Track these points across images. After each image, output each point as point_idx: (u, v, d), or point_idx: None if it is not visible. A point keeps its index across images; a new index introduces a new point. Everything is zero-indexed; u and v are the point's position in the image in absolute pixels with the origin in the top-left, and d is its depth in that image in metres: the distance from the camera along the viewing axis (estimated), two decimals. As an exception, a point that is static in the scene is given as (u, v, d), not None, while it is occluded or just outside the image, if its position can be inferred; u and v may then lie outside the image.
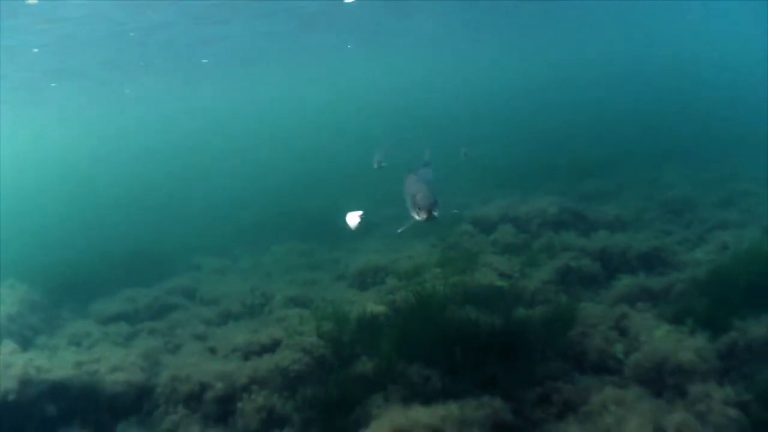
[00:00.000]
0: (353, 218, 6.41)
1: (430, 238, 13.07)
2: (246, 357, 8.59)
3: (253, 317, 10.97)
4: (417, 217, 6.00)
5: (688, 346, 6.94)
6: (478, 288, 9.32)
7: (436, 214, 5.87)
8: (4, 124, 30.03)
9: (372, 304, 9.26)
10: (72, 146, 45.12)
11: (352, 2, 20.13)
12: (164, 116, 46.83)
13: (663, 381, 6.68)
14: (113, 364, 8.68)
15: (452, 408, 5.84)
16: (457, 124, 29.01)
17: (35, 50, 17.93)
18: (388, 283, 10.86)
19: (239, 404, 7.46)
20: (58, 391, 8.01)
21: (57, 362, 8.43)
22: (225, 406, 7.61)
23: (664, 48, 50.81)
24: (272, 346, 8.73)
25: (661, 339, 7.28)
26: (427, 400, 6.21)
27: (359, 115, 39.03)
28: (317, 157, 27.85)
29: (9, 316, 10.97)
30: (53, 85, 23.95)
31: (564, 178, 17.73)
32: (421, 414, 5.65)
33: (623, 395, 6.18)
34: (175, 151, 37.30)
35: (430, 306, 8.40)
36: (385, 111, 38.92)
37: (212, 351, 9.19)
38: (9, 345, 9.02)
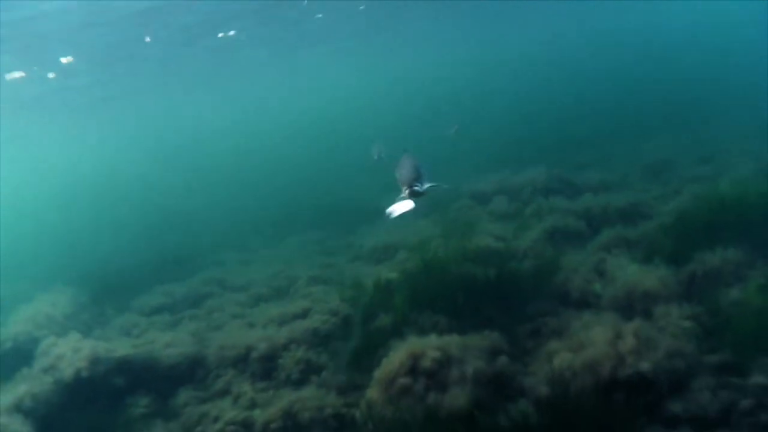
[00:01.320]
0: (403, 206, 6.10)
1: (433, 216, 14.34)
2: (281, 324, 9.94)
3: (281, 297, 12.26)
4: (404, 195, 5.83)
5: (653, 277, 8.22)
6: (476, 249, 10.59)
7: (418, 189, 5.72)
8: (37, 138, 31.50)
9: (386, 272, 10.58)
10: (96, 157, 46.61)
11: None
12: (178, 123, 48.19)
13: (633, 307, 7.95)
14: (166, 342, 10.07)
15: (457, 338, 7.15)
16: (456, 109, 30.23)
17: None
18: (398, 256, 12.18)
19: (280, 360, 8.80)
20: (122, 366, 9.36)
21: (118, 345, 9.79)
22: (268, 364, 8.94)
23: (651, 26, 51.73)
24: (303, 314, 10.09)
25: (632, 274, 8.56)
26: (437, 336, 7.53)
27: (358, 111, 40.26)
28: (322, 153, 29.12)
29: (65, 314, 12.38)
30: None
31: (554, 153, 18.96)
32: (432, 340, 6.98)
33: (598, 318, 7.48)
34: (190, 155, 38.60)
35: (435, 266, 9.70)
36: (382, 106, 40.14)
37: (251, 325, 10.53)
38: (75, 335, 10.38)
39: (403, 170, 5.95)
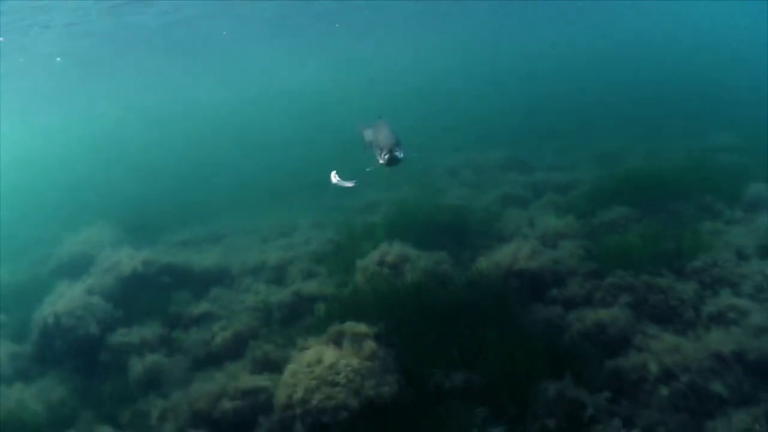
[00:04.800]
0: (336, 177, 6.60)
1: (411, 182, 17.37)
2: (288, 249, 13.03)
3: (287, 237, 15.33)
4: (381, 161, 5.91)
5: (563, 223, 11.37)
6: (441, 204, 13.71)
7: (398, 154, 5.80)
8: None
9: (370, 217, 13.69)
10: (138, 109, 49.15)
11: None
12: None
13: (546, 241, 11.05)
14: (199, 257, 13.17)
15: (415, 250, 10.27)
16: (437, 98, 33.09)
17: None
18: (382, 209, 15.27)
19: (288, 268, 11.89)
20: (167, 269, 12.42)
21: (169, 249, 12.89)
22: (279, 273, 12.00)
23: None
24: (305, 242, 13.21)
25: (550, 222, 11.69)
26: (403, 252, 10.64)
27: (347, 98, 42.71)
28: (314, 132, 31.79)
29: (111, 243, 15.41)
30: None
31: (522, 140, 21.94)
32: (396, 247, 10.09)
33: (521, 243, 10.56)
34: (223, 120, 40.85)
35: (407, 213, 12.80)
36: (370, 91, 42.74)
37: (263, 251, 13.60)
38: (127, 248, 13.41)
39: (381, 136, 6.08)
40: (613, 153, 19.03)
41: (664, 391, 6.60)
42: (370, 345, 7.09)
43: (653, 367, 6.78)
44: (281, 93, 47.86)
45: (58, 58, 26.32)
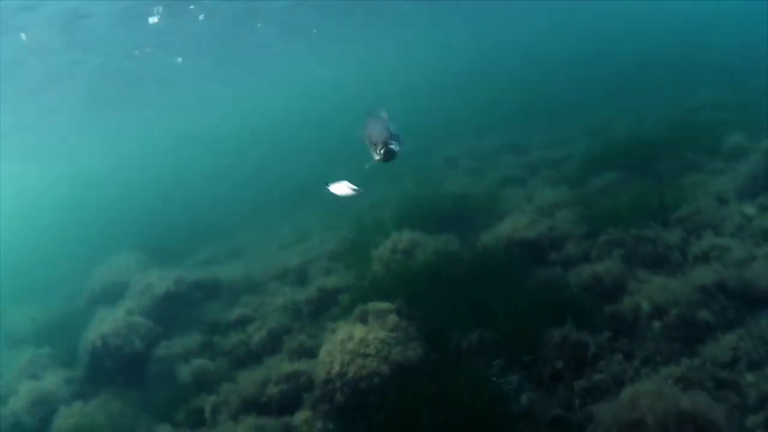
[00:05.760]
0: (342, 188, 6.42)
1: (414, 177, 18.23)
2: (305, 253, 13.92)
3: (302, 242, 16.21)
4: (377, 157, 5.78)
5: (557, 194, 12.21)
6: (443, 192, 14.57)
7: (393, 147, 5.70)
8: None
9: (379, 213, 14.56)
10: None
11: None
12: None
13: (543, 212, 11.85)
14: (224, 271, 14.07)
15: (424, 235, 11.13)
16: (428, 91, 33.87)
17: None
18: (388, 205, 16.12)
19: (309, 269, 12.77)
20: (197, 285, 13.32)
21: (194, 268, 13.80)
22: (301, 275, 12.87)
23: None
24: (320, 245, 14.09)
25: (546, 195, 12.53)
26: (413, 239, 11.50)
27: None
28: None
29: (139, 269, 16.32)
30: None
31: (517, 125, 22.76)
32: (406, 234, 10.95)
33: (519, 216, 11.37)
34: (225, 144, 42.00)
35: (413, 203, 13.67)
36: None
37: (283, 257, 14.49)
38: (157, 270, 14.32)
39: (375, 131, 5.94)
40: (604, 124, 19.80)
41: (657, 324, 7.41)
42: (393, 319, 7.94)
43: (645, 306, 7.59)
44: (286, 104, 48.88)
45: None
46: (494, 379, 7.16)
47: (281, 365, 8.75)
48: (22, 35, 18.60)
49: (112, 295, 14.80)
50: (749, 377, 6.50)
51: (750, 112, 14.58)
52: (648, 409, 5.25)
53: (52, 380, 11.49)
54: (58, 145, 40.42)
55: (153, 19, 21.47)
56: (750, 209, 9.54)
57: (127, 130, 45.29)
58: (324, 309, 10.65)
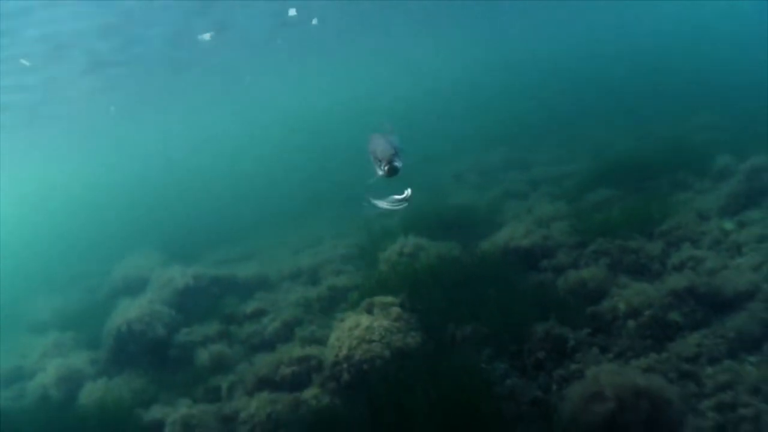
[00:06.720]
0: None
1: (422, 189, 19.15)
2: (317, 256, 14.85)
3: (314, 247, 17.14)
4: (380, 173, 5.77)
5: (554, 208, 13.11)
6: (449, 204, 15.50)
7: (397, 164, 5.63)
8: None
9: (387, 221, 15.46)
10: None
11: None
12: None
13: (542, 224, 12.73)
14: (240, 269, 15.02)
15: (429, 241, 12.04)
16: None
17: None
18: (396, 214, 17.03)
19: (320, 271, 13.69)
20: (215, 281, 14.27)
21: (212, 265, 14.76)
22: (312, 275, 13.80)
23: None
24: (332, 249, 15.02)
25: (545, 208, 13.42)
26: (418, 244, 12.41)
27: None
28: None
29: (159, 266, 17.29)
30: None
31: (522, 140, 23.64)
32: (411, 239, 11.87)
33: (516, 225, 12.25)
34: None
35: (420, 214, 14.57)
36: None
37: (296, 260, 15.42)
38: (176, 266, 15.26)
39: (379, 147, 5.90)
40: (606, 143, 20.66)
41: (632, 324, 8.27)
42: (396, 310, 8.87)
43: (622, 306, 8.45)
44: (302, 115, 49.90)
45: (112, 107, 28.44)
46: (483, 365, 8.04)
47: (293, 350, 9.64)
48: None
49: (133, 289, 15.74)
50: (709, 370, 7.34)
51: (741, 135, 15.43)
52: (607, 383, 6.13)
53: (78, 360, 12.43)
54: (86, 145, 41.72)
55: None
56: (728, 225, 10.39)
57: (151, 133, 46.69)
58: (334, 305, 11.56)
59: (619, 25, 52.14)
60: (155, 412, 9.33)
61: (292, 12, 25.12)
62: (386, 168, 5.50)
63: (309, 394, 8.42)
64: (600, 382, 6.20)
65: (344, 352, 8.36)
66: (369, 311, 9.05)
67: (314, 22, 25.31)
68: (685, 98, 24.28)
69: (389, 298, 9.24)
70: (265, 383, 9.12)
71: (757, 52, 28.06)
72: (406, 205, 5.53)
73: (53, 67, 21.93)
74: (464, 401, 7.04)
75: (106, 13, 18.57)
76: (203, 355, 10.99)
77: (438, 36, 41.99)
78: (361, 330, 8.49)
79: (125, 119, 35.82)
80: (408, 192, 5.47)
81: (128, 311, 12.71)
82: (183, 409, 9.07)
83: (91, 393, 10.87)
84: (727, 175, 12.84)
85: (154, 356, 11.84)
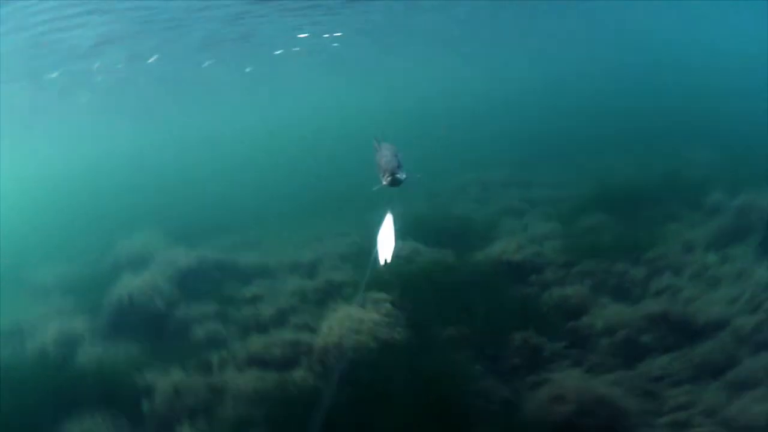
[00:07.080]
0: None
1: (424, 200, 19.64)
2: (317, 251, 15.38)
3: (315, 243, 17.62)
4: (384, 183, 6.11)
5: (550, 227, 13.64)
6: (449, 215, 16.03)
7: (399, 176, 5.98)
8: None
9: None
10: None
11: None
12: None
13: (535, 241, 13.23)
14: (255, 258, 15.54)
15: (424, 247, 12.57)
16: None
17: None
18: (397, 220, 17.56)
19: (319, 265, 14.21)
20: (217, 265, 14.77)
21: (215, 251, 15.31)
22: (311, 269, 14.31)
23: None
24: (332, 246, 15.55)
25: (539, 227, 13.94)
26: (415, 249, 12.94)
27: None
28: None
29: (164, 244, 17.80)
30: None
31: (525, 161, 24.08)
32: (408, 244, 12.40)
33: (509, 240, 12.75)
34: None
35: (420, 221, 15.12)
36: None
37: (296, 253, 15.93)
38: (181, 248, 15.75)
39: (383, 158, 6.23)
40: (607, 171, 21.10)
41: (606, 341, 8.79)
42: (387, 306, 9.41)
43: (598, 324, 8.98)
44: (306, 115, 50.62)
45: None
46: (461, 364, 8.55)
47: (286, 334, 10.16)
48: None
49: (136, 264, 16.15)
50: (670, 391, 7.85)
51: (736, 172, 15.92)
52: (571, 387, 6.65)
53: (78, 324, 12.91)
54: (101, 128, 42.40)
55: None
56: (711, 258, 10.90)
57: (166, 123, 47.45)
58: (329, 297, 12.04)
59: (634, 48, 52.77)
60: (148, 377, 9.81)
61: None
62: (389, 179, 6.05)
63: (296, 374, 8.92)
64: (564, 386, 6.71)
65: (334, 339, 8.87)
66: (361, 305, 9.57)
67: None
68: (688, 131, 24.77)
69: (382, 295, 9.76)
70: (256, 361, 9.62)
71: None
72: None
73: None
74: (438, 393, 7.55)
75: None
76: (199, 331, 11.48)
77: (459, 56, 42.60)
78: (352, 321, 9.02)
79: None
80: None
81: (131, 283, 13.21)
82: (174, 376, 9.55)
83: (88, 354, 11.35)
84: (718, 211, 13.36)
85: (152, 328, 12.32)
